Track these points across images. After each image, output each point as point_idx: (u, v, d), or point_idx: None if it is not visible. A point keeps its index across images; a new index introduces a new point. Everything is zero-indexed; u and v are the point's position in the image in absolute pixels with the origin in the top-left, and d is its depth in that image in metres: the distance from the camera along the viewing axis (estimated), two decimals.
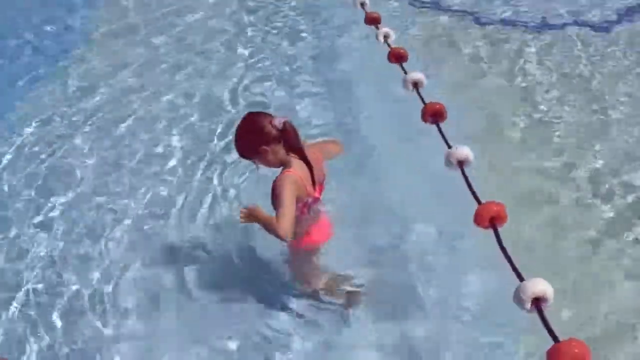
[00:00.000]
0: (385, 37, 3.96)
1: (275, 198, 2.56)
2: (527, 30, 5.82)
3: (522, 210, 3.47)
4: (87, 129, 4.70)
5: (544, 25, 5.91)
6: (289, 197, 2.54)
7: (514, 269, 2.08)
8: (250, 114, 2.75)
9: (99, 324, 3.14)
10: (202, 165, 4.25)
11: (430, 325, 3.00)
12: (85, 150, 4.45)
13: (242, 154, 2.75)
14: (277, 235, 2.50)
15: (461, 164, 2.66)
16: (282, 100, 4.95)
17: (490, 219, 2.32)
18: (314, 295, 3.13)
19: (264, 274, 3.34)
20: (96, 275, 3.41)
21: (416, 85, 3.31)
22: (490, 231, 2.30)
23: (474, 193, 2.48)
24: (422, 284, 3.20)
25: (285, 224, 2.48)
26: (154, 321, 3.16)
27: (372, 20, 4.28)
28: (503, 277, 2.12)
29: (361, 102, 4.79)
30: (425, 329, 2.99)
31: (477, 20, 6.10)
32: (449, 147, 2.76)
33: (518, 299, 1.97)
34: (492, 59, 5.43)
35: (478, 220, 2.35)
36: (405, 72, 3.45)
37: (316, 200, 2.78)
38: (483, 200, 2.41)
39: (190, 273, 3.39)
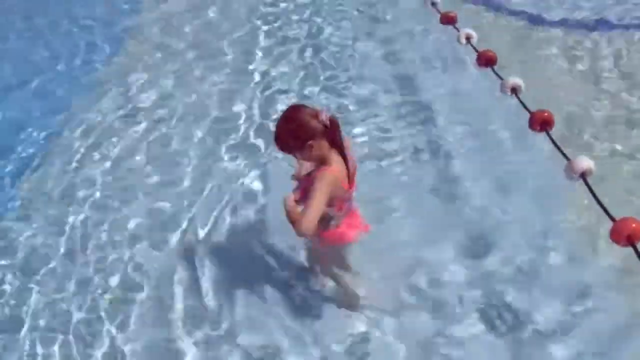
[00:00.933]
0: (468, 38, 3.87)
1: (310, 193, 2.53)
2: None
3: None
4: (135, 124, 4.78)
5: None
6: (323, 197, 2.52)
7: None
8: (295, 108, 2.68)
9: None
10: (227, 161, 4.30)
11: None
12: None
13: (285, 148, 2.68)
14: (297, 231, 2.47)
15: (584, 175, 2.59)
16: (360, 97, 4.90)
17: (628, 237, 2.26)
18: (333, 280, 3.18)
19: (283, 268, 3.41)
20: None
21: (515, 90, 3.23)
22: None
23: (604, 208, 2.41)
24: None
25: (309, 222, 2.44)
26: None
27: (449, 20, 4.19)
28: None
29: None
30: None
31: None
32: (566, 157, 2.69)
33: None
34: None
35: (615, 236, 2.29)
36: (500, 77, 3.37)
37: (351, 194, 2.77)
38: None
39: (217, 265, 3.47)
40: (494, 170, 3.92)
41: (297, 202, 2.58)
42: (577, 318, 2.99)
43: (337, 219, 2.77)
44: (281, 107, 4.64)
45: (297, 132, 2.57)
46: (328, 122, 2.57)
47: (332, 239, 2.84)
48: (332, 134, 2.61)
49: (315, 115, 2.57)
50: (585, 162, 2.60)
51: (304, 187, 2.65)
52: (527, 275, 3.20)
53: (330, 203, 2.62)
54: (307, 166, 2.76)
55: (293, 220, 2.49)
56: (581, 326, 2.95)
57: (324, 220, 2.69)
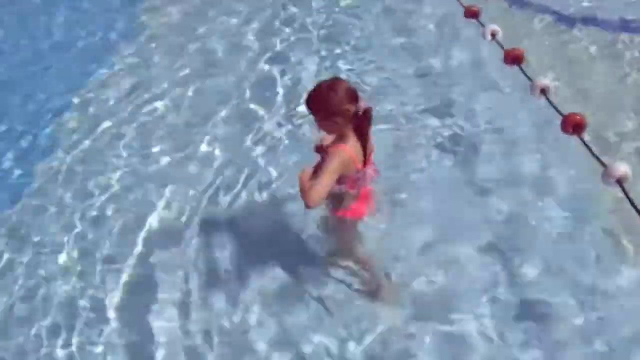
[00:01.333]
0: (493, 34, 3.85)
1: (322, 167, 2.63)
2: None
3: None
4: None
5: None
6: (332, 172, 2.62)
7: None
8: (339, 82, 2.72)
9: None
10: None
11: None
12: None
13: (312, 110, 2.73)
14: (305, 202, 2.55)
15: (620, 181, 2.61)
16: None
17: None
18: (349, 267, 3.30)
19: (297, 247, 3.52)
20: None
21: (544, 92, 3.23)
22: None
23: None
24: None
25: (316, 195, 2.55)
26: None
27: (472, 15, 4.16)
28: None
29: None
30: None
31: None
32: (601, 163, 2.70)
33: None
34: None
35: None
36: (528, 77, 3.36)
37: (365, 173, 2.84)
38: None
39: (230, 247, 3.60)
40: (523, 168, 3.94)
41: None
42: (601, 323, 3.02)
43: (350, 196, 2.87)
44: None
45: (328, 104, 2.64)
46: (362, 111, 2.64)
47: (345, 213, 2.94)
48: (361, 123, 2.69)
49: (355, 98, 2.64)
50: (622, 168, 2.62)
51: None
52: (554, 278, 3.23)
53: (341, 181, 2.73)
54: (327, 138, 2.85)
55: (302, 191, 2.58)
56: (605, 332, 2.98)
57: (338, 196, 2.83)
